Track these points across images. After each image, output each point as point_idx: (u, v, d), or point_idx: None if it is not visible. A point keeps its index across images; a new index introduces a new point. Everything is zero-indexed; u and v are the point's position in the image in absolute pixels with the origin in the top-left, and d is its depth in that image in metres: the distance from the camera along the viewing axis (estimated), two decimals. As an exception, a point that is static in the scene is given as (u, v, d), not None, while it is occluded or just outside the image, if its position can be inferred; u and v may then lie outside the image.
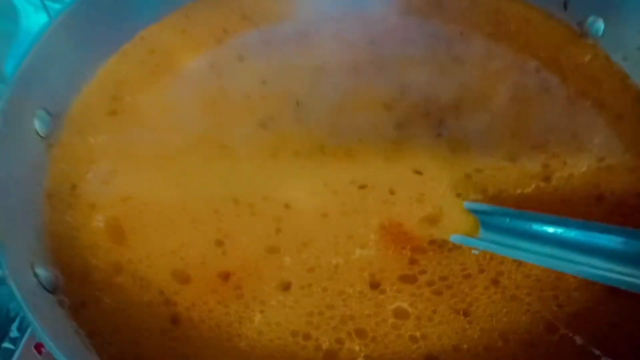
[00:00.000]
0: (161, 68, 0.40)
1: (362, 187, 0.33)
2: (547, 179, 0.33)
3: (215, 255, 0.31)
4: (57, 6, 0.44)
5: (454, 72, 0.39)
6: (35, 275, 0.29)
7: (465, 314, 0.29)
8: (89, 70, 0.38)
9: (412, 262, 0.30)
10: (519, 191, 0.33)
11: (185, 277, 0.30)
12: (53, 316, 0.29)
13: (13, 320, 0.36)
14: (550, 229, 0.29)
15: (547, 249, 0.29)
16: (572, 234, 0.28)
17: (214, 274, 0.30)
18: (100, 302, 0.30)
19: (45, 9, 0.48)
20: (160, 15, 0.42)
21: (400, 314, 0.29)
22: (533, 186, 0.33)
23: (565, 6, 0.40)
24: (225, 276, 0.30)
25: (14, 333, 0.36)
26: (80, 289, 0.30)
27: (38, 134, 0.34)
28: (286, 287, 0.30)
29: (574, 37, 0.40)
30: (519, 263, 0.30)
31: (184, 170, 0.34)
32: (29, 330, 0.35)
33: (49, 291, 0.29)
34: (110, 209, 0.33)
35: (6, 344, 0.35)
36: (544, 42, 0.40)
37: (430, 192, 0.33)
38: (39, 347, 0.35)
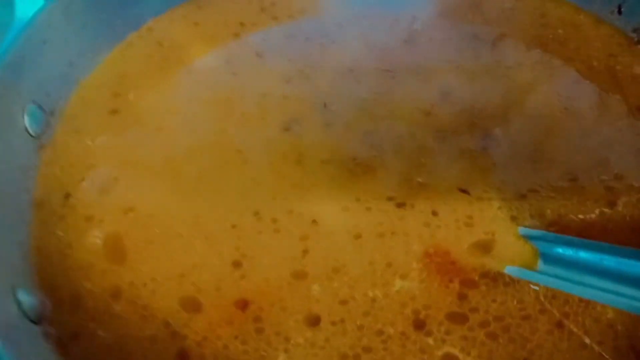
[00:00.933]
0: (170, 63, 0.35)
1: (400, 205, 0.29)
2: (612, 203, 0.29)
3: (232, 279, 0.26)
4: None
5: (499, 78, 0.35)
6: (17, 301, 0.24)
7: (527, 363, 0.24)
8: (89, 62, 0.34)
9: (462, 297, 0.26)
10: (581, 217, 0.29)
11: (196, 306, 0.26)
12: (36, 352, 0.24)
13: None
14: (624, 264, 0.25)
15: (621, 287, 0.24)
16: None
17: (230, 302, 0.26)
18: (94, 335, 0.25)
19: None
20: (171, 5, 0.38)
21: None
22: (597, 212, 0.29)
23: (619, 10, 0.36)
24: (243, 305, 0.26)
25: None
26: (71, 319, 0.26)
27: (28, 132, 0.29)
28: (315, 321, 0.25)
29: (629, 44, 0.36)
30: (587, 303, 0.26)
31: (196, 178, 0.30)
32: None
33: (32, 321, 0.25)
34: (109, 222, 0.28)
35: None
36: (597, 49, 0.36)
37: (480, 214, 0.28)
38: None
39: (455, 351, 0.25)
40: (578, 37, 0.37)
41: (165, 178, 0.30)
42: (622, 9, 0.36)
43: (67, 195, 0.29)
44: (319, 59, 0.36)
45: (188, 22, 0.37)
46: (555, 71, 0.35)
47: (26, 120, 0.29)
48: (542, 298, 0.26)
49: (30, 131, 0.29)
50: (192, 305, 0.26)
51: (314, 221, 0.28)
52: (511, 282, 0.27)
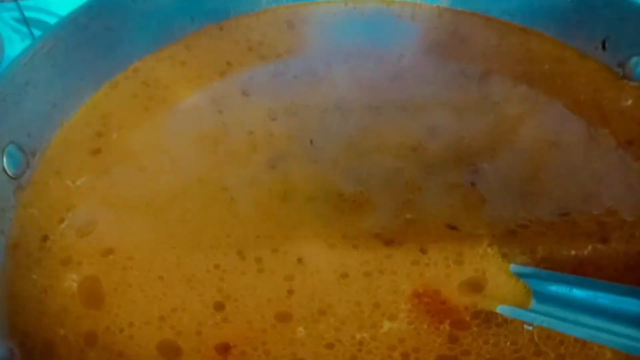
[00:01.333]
0: (155, 102, 0.35)
1: (388, 242, 0.28)
2: (604, 239, 0.29)
3: (213, 322, 0.25)
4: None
5: (486, 113, 0.35)
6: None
7: (524, 408, 0.23)
8: (73, 103, 0.34)
9: (453, 340, 0.25)
10: (573, 253, 0.28)
11: (175, 351, 0.25)
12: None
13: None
14: (619, 301, 0.24)
15: (617, 326, 0.24)
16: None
17: (211, 346, 0.25)
18: (66, 384, 0.24)
19: (33, 37, 0.44)
20: (158, 46, 0.38)
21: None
22: (590, 247, 0.28)
23: (603, 46, 0.37)
24: (225, 349, 0.25)
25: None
26: (42, 367, 0.24)
27: (6, 173, 0.29)
28: (300, 367, 0.24)
29: (615, 78, 0.36)
30: (583, 343, 0.25)
31: (179, 218, 0.29)
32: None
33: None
34: (87, 265, 0.27)
35: None
36: (583, 83, 0.36)
37: (470, 252, 0.28)
38: None
39: (447, 396, 0.24)
40: (564, 72, 0.37)
41: (147, 218, 0.30)
42: (606, 45, 0.37)
43: (45, 238, 0.29)
44: (305, 97, 0.36)
45: (174, 62, 0.38)
46: (542, 106, 0.35)
47: (5, 161, 0.29)
48: (536, 339, 0.25)
49: (9, 172, 0.29)
50: (171, 351, 0.25)
51: (299, 260, 0.27)
52: (504, 322, 0.26)
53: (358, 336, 0.25)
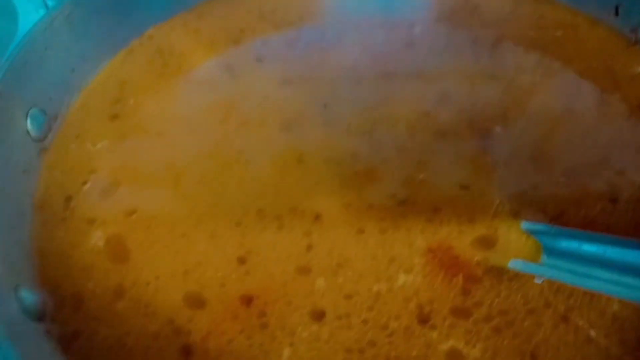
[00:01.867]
0: (170, 69, 0.37)
1: (402, 202, 0.30)
2: (614, 200, 0.30)
3: (236, 275, 0.27)
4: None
5: (498, 80, 0.36)
6: (20, 300, 0.25)
7: (533, 357, 0.25)
8: (90, 69, 0.35)
9: (465, 292, 0.27)
10: (583, 212, 0.29)
11: (200, 302, 0.27)
12: (38, 349, 0.25)
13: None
14: (628, 254, 0.26)
15: (625, 278, 0.25)
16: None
17: (235, 297, 0.26)
18: (96, 333, 0.26)
19: (46, 7, 0.45)
20: (171, 13, 0.39)
21: (454, 355, 0.25)
22: (599, 208, 0.30)
23: (616, 12, 0.38)
24: (248, 300, 0.26)
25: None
26: (73, 318, 0.26)
27: (30, 135, 0.30)
28: (320, 316, 0.26)
29: (627, 45, 0.37)
30: (592, 296, 0.27)
31: (198, 181, 0.31)
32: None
33: (34, 319, 0.25)
34: (111, 224, 0.29)
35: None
36: (595, 50, 0.37)
37: (482, 210, 0.29)
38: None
39: (460, 345, 0.26)
40: (576, 39, 0.38)
41: (167, 182, 0.31)
42: (619, 11, 0.38)
43: (69, 199, 0.30)
44: (319, 64, 0.37)
45: (188, 30, 0.39)
46: (554, 72, 0.37)
47: (28, 124, 0.30)
48: (546, 292, 0.27)
49: (32, 134, 0.30)
50: (196, 302, 0.26)
51: (317, 217, 0.29)
52: (515, 276, 0.27)
53: (375, 288, 0.27)
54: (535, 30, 0.39)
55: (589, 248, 0.27)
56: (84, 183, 0.31)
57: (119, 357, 0.25)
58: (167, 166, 0.32)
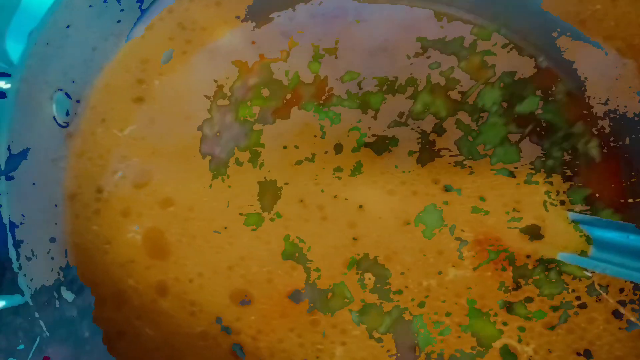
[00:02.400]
0: (193, 46, 0.35)
1: (447, 189, 0.29)
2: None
3: (282, 270, 0.27)
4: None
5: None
6: (61, 298, 0.24)
7: (587, 354, 0.25)
8: (111, 46, 0.34)
9: (516, 286, 0.27)
10: (630, 201, 0.29)
11: (247, 299, 0.26)
12: (84, 350, 0.24)
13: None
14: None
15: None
16: None
17: (283, 294, 0.26)
18: (141, 333, 0.25)
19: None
20: (190, -16, 0.37)
21: (508, 353, 0.25)
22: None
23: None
24: (297, 296, 0.26)
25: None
26: (116, 316, 0.26)
27: (56, 120, 0.29)
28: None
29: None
30: (643, 289, 0.27)
31: (235, 168, 0.30)
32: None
33: (77, 318, 0.25)
34: (148, 217, 0.28)
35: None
36: (636, 25, 0.36)
37: (528, 199, 0.29)
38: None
39: (514, 342, 0.26)
40: (616, 14, 0.37)
41: (202, 170, 0.30)
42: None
43: (100, 189, 0.29)
44: (349, 38, 0.36)
45: (209, 2, 0.37)
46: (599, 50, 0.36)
47: (54, 108, 0.29)
48: (597, 286, 0.27)
49: (58, 120, 0.29)
50: (243, 299, 0.26)
51: (361, 207, 0.28)
52: (565, 270, 0.27)
53: (425, 283, 0.27)
54: (575, 3, 0.38)
55: (638, 240, 0.27)
56: (115, 172, 0.30)
57: (168, 359, 0.25)
58: (200, 153, 0.31)
